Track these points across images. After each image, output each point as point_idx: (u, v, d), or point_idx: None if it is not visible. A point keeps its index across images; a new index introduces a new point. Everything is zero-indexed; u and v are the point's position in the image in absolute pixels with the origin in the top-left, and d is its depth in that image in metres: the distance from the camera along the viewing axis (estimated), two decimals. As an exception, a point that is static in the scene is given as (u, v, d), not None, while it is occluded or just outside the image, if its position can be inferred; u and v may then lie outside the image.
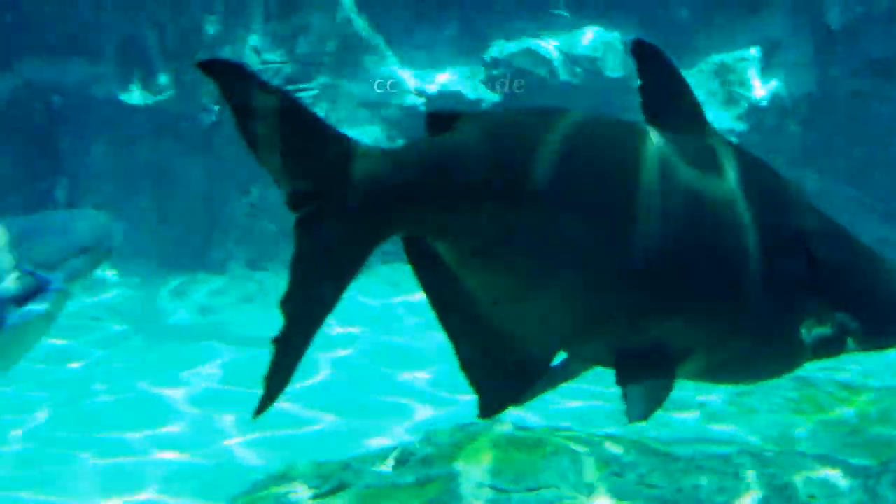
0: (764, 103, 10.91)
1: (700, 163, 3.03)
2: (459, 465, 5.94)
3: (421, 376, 9.08)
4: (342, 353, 9.57)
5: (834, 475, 6.10)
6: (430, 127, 2.84)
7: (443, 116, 2.86)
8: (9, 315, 4.74)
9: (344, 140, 2.75)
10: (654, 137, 2.98)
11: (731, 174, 3.06)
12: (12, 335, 4.79)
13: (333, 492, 5.88)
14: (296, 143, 2.75)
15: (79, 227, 5.21)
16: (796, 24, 11.10)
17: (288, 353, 2.74)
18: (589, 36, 11.03)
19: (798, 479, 6.07)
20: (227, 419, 8.68)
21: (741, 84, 10.87)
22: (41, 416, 8.96)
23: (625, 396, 3.00)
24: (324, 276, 2.77)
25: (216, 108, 9.98)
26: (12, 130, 10.51)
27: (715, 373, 3.27)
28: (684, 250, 2.96)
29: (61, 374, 9.54)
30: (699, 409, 8.07)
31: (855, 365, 8.73)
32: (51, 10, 10.79)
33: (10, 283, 4.75)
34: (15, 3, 10.85)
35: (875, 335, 3.22)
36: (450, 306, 2.95)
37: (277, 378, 2.71)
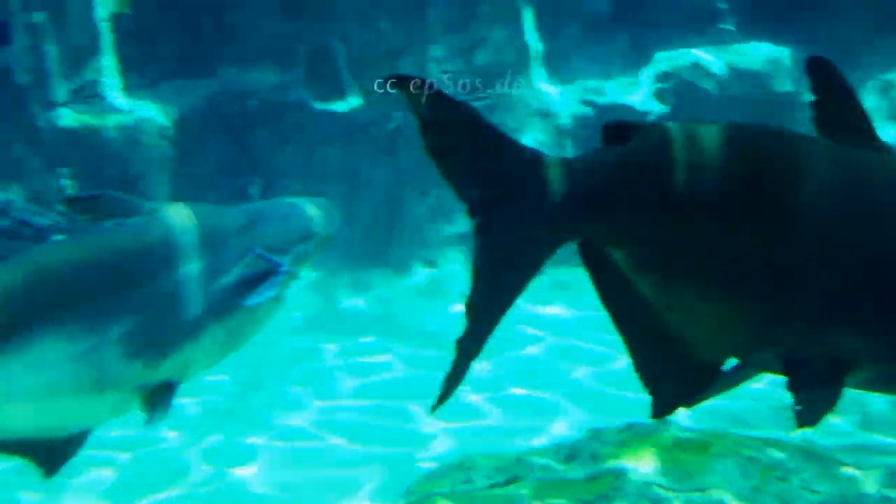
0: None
1: (882, 177, 3.03)
2: (627, 463, 5.97)
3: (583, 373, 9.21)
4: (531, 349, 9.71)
5: None
6: (607, 137, 2.88)
7: (619, 127, 2.88)
8: (245, 296, 4.89)
9: (527, 151, 2.82)
10: (831, 150, 3.00)
11: None
12: (247, 316, 4.94)
13: (507, 483, 6.01)
14: (479, 153, 2.82)
15: (303, 214, 5.27)
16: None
17: (468, 352, 2.83)
18: (757, 51, 11.09)
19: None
20: (410, 408, 8.75)
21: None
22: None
23: (794, 403, 2.98)
24: (505, 278, 2.86)
25: (398, 114, 10.18)
26: (211, 132, 10.85)
27: (880, 384, 3.25)
28: (864, 265, 2.95)
29: (246, 355, 10.01)
30: (860, 414, 7.96)
31: None
32: (248, 21, 11.11)
33: (246, 266, 4.87)
34: (217, 14, 11.04)
35: None
36: (624, 310, 2.98)
37: (456, 376, 2.83)
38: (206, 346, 4.74)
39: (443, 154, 2.84)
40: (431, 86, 2.79)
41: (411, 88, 2.78)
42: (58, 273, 4.74)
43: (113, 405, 4.85)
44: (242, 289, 4.68)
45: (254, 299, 4.70)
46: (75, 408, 4.83)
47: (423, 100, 2.81)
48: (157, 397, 4.89)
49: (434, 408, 2.87)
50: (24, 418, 4.76)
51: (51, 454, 4.82)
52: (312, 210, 5.18)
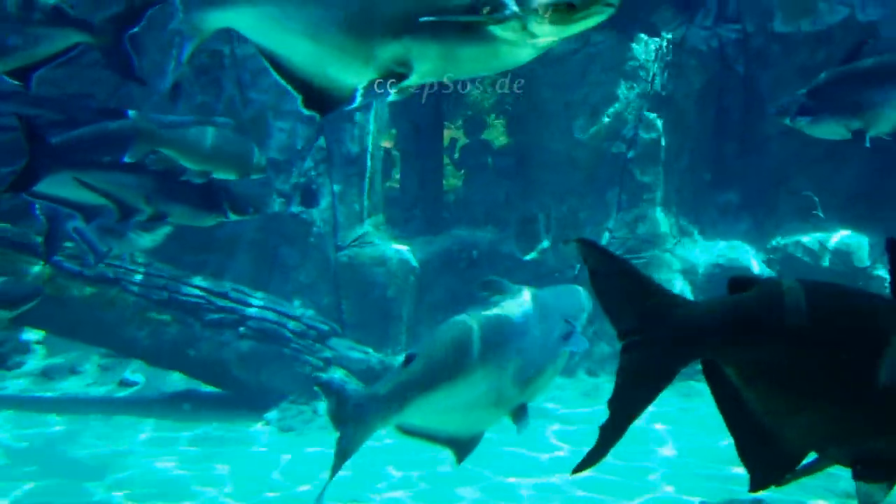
0: None
1: None
2: None
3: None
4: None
5: None
6: (730, 287, 3.13)
7: (740, 280, 3.14)
8: (567, 346, 5.68)
9: (668, 294, 3.07)
10: (884, 303, 3.18)
11: None
12: (562, 360, 5.77)
13: None
14: (628, 295, 3.07)
15: (580, 293, 6.10)
16: None
17: (606, 438, 3.05)
18: (842, 235, 11.91)
19: None
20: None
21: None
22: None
23: (858, 490, 3.21)
24: (641, 386, 3.07)
25: (577, 265, 11.27)
26: (442, 274, 12.22)
27: None
28: None
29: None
30: None
31: None
32: (479, 197, 12.75)
33: (559, 328, 5.64)
34: (457, 191, 12.74)
35: None
36: (733, 412, 3.14)
37: (597, 453, 3.05)
38: (547, 379, 5.64)
39: (603, 294, 3.10)
40: (599, 246, 3.17)
41: (586, 247, 3.10)
42: (495, 326, 5.62)
43: (498, 417, 5.75)
44: (563, 342, 5.61)
45: (573, 348, 5.64)
46: (481, 417, 5.74)
47: (593, 255, 3.12)
48: (520, 413, 5.86)
49: (574, 471, 3.19)
50: (453, 422, 5.69)
51: (462, 447, 5.82)
52: (583, 292, 6.04)
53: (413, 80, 3.98)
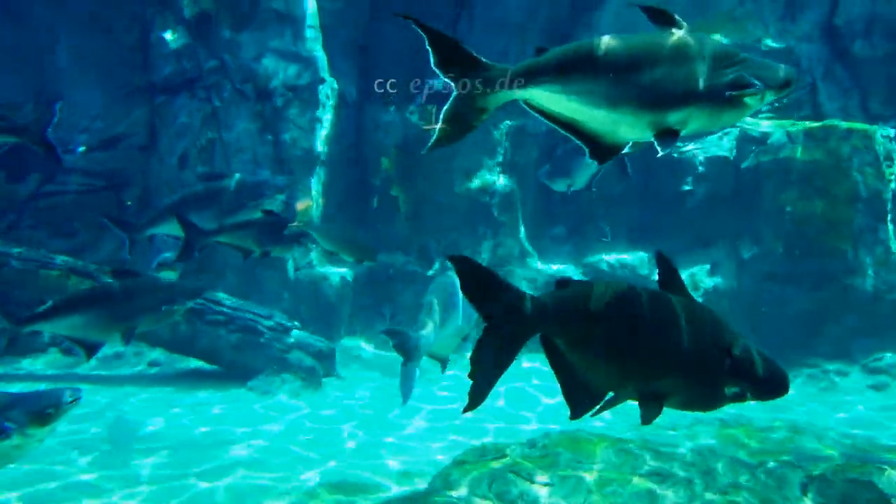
0: None
1: (677, 310, 3.12)
2: (559, 449, 6.61)
3: (550, 402, 9.78)
4: (516, 384, 10.39)
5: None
6: (557, 286, 3.17)
7: (562, 281, 3.16)
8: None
9: (516, 289, 3.07)
10: (649, 294, 3.19)
11: (693, 315, 3.16)
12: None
13: (501, 456, 6.54)
14: (489, 290, 3.03)
15: None
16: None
17: (475, 397, 3.00)
18: (633, 254, 11.92)
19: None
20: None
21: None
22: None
23: (641, 414, 3.21)
24: (499, 356, 3.02)
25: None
26: (368, 285, 11.79)
27: (683, 406, 3.27)
28: (671, 350, 3.09)
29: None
30: (679, 429, 8.15)
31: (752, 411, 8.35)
32: (392, 233, 11.95)
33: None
34: (374, 227, 11.83)
35: (759, 395, 3.25)
36: (561, 369, 3.14)
37: (470, 407, 3.02)
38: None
39: (469, 291, 3.02)
40: (469, 258, 3.04)
41: (457, 260, 3.03)
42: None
43: (459, 349, 5.26)
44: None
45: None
46: (454, 345, 5.45)
47: (463, 265, 3.03)
48: (447, 362, 5.62)
49: (464, 412, 3.07)
50: (450, 347, 5.51)
51: (443, 362, 5.56)
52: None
53: (681, 135, 3.69)
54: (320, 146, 11.79)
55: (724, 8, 11.49)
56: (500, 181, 12.06)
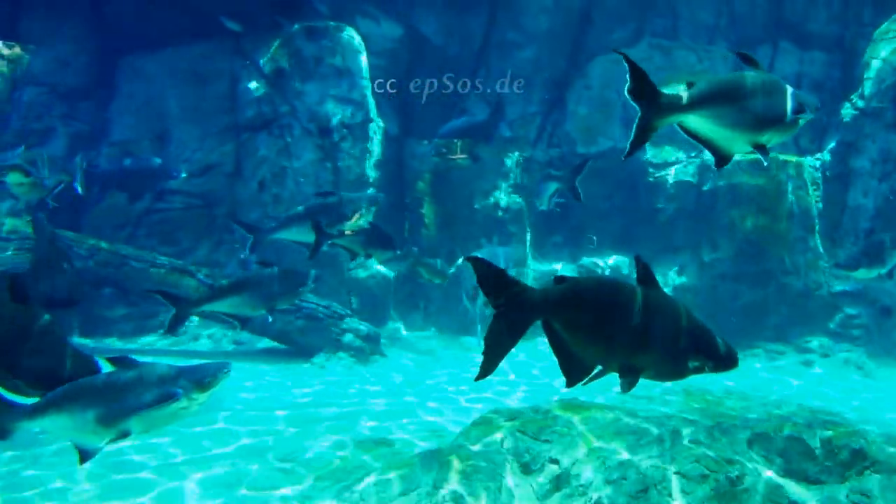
0: None
1: (649, 300, 3.16)
2: (558, 412, 6.42)
3: (535, 373, 10.19)
4: (519, 357, 10.92)
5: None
6: (555, 281, 3.16)
7: (560, 278, 3.15)
8: None
9: (521, 283, 3.06)
10: (628, 288, 3.21)
11: (664, 305, 3.18)
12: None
13: (512, 418, 6.38)
14: (499, 284, 3.02)
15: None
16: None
17: (486, 368, 3.01)
18: (614, 258, 12.01)
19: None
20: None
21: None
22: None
23: (620, 384, 3.22)
24: (506, 338, 3.00)
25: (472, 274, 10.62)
26: (406, 282, 11.79)
27: (656, 377, 3.32)
28: (646, 332, 3.10)
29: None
30: (654, 399, 8.41)
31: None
32: (423, 241, 12.16)
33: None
34: (412, 239, 12.02)
35: (715, 368, 3.29)
36: (558, 348, 3.14)
37: (481, 376, 3.02)
38: None
39: (483, 285, 3.01)
40: (483, 259, 3.00)
41: (474, 260, 3.00)
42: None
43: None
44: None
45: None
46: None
47: (479, 264, 2.99)
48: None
49: (476, 379, 3.07)
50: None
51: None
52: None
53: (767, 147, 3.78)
54: (369, 171, 12.08)
55: (686, 64, 12.06)
56: (512, 200, 12.30)
